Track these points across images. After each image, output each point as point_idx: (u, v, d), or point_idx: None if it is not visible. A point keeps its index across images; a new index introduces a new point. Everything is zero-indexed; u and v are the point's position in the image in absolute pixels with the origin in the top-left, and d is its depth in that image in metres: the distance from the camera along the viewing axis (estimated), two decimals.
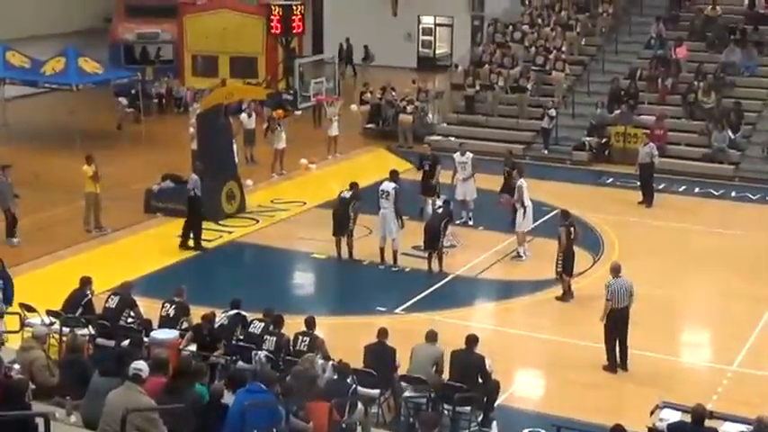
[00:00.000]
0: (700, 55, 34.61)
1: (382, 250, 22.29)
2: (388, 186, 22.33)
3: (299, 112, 35.68)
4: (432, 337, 14.97)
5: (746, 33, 34.72)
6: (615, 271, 17.16)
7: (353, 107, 34.80)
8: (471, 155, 25.19)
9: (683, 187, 29.05)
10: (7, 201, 23.30)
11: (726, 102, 31.87)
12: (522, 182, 22.82)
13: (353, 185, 22.81)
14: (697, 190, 28.93)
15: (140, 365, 11.34)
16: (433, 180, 25.11)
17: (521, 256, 22.72)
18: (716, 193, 28.67)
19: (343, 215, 22.43)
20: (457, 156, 25.26)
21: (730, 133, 30.63)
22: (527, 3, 39.09)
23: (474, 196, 25.03)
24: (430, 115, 35.24)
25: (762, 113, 32.16)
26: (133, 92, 37.47)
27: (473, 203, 25.05)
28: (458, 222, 23.97)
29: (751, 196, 28.36)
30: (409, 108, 34.01)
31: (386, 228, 22.19)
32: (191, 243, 23.32)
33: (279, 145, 29.80)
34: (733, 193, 28.65)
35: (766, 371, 17.29)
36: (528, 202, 22.66)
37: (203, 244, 23.42)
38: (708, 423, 12.40)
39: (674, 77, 33.46)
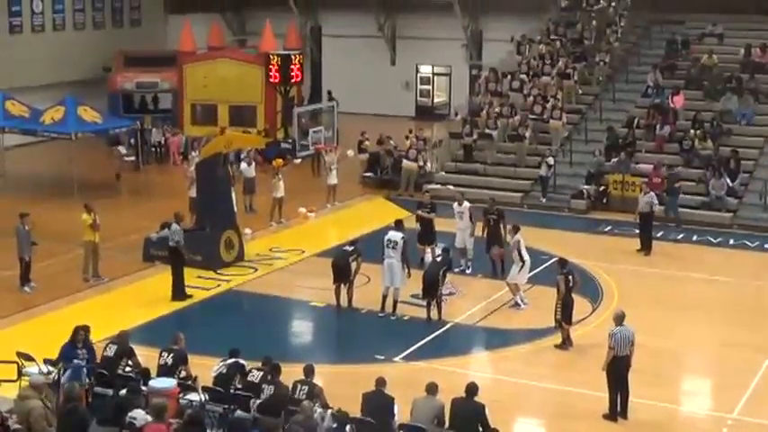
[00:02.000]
0: (696, 103, 34.81)
1: (384, 298, 22.26)
2: (396, 236, 22.40)
3: (298, 161, 35.78)
4: (432, 389, 14.84)
5: (742, 82, 34.94)
6: (619, 319, 17.10)
7: (350, 152, 34.86)
8: (468, 204, 25.25)
9: (681, 235, 29.07)
10: (24, 249, 23.34)
11: (723, 150, 32.00)
12: (518, 237, 22.79)
13: (354, 243, 22.94)
14: (695, 238, 28.96)
15: (136, 414, 11.30)
16: (431, 228, 25.13)
17: (518, 305, 22.68)
18: (714, 241, 28.69)
19: (343, 266, 22.43)
20: (455, 205, 25.34)
21: (728, 181, 30.73)
22: (525, 52, 39.31)
23: (471, 246, 25.02)
24: (428, 164, 35.33)
25: (759, 161, 32.28)
26: (132, 141, 37.64)
27: (472, 252, 25.05)
28: (456, 270, 23.97)
29: (749, 243, 28.38)
30: (411, 154, 34.05)
31: (392, 277, 22.18)
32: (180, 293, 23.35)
33: (277, 193, 29.84)
34: (731, 241, 28.67)
35: (766, 419, 17.22)
36: (526, 257, 22.63)
37: (187, 291, 23.46)
38: None
39: (672, 125, 33.63)
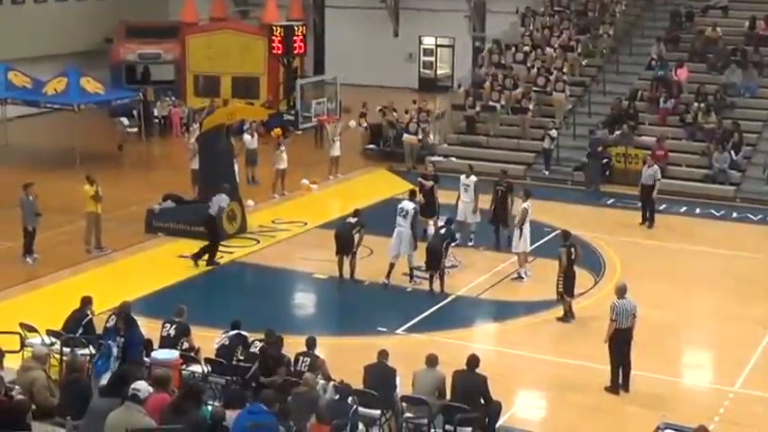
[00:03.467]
0: (700, 76, 34.69)
1: (392, 266, 22.24)
2: (408, 205, 22.58)
3: (299, 132, 35.71)
4: (432, 361, 14.85)
5: (747, 55, 34.80)
6: (621, 291, 17.08)
7: (352, 122, 34.71)
8: (475, 178, 25.10)
9: (684, 208, 29.06)
10: (28, 219, 23.33)
11: (726, 123, 31.92)
12: (527, 204, 22.77)
13: (357, 212, 22.93)
14: (698, 211, 28.94)
15: (139, 386, 11.31)
16: (433, 200, 25.10)
17: (522, 277, 22.71)
18: (717, 214, 28.67)
19: (346, 237, 22.45)
20: (462, 177, 25.22)
21: (732, 154, 30.67)
22: (529, 24, 39.16)
23: (477, 219, 24.96)
24: (431, 136, 35.23)
25: (762, 135, 32.20)
26: (134, 112, 37.59)
27: (475, 225, 25.01)
28: (453, 245, 23.85)
29: (752, 217, 28.37)
30: (412, 128, 33.91)
31: (400, 246, 22.26)
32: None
33: (280, 165, 29.80)
34: (734, 214, 28.65)
35: (767, 392, 17.29)
36: (525, 228, 22.60)
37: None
38: None
39: (675, 98, 33.53)
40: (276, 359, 15.11)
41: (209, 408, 12.26)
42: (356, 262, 22.61)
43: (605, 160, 31.80)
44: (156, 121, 39.51)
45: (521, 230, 22.61)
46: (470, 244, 24.87)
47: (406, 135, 33.94)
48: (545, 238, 24.73)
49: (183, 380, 14.68)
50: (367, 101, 36.72)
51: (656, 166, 27.52)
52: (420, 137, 34.00)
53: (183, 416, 11.35)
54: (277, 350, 15.35)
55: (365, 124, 35.86)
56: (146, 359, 15.22)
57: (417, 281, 22.27)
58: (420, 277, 22.32)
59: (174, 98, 40.22)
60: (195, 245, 24.05)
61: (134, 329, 15.89)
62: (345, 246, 22.45)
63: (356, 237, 22.44)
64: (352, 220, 22.75)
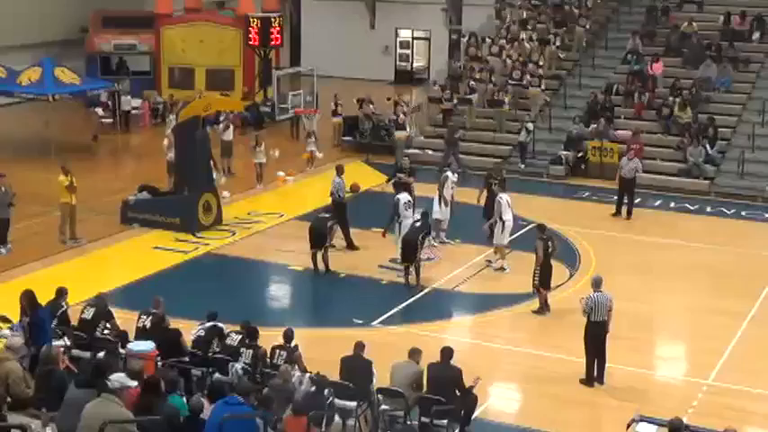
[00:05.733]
0: (676, 71, 34.87)
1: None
2: (406, 197, 23.25)
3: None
4: (414, 354, 14.83)
5: (722, 49, 34.98)
6: (596, 284, 17.16)
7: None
8: (448, 174, 25.07)
9: (659, 202, 29.19)
10: (0, 209, 23.17)
11: (701, 117, 32.08)
12: (501, 196, 22.84)
13: (330, 209, 23.17)
14: (673, 205, 29.08)
15: (116, 377, 11.27)
16: (411, 194, 25.07)
17: (504, 269, 22.73)
18: (691, 208, 28.82)
19: (320, 231, 22.45)
20: (450, 174, 25.19)
21: (707, 148, 30.83)
22: (505, 17, 39.20)
23: (447, 216, 24.83)
24: (408, 129, 35.14)
25: (736, 129, 32.37)
26: (109, 103, 37.39)
27: (446, 223, 24.87)
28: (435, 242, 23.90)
29: (726, 211, 28.51)
30: (401, 122, 33.75)
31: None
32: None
33: (259, 159, 29.73)
34: (708, 208, 28.81)
35: (741, 384, 17.39)
36: (508, 217, 22.67)
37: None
38: None
39: (651, 93, 33.67)
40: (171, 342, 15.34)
41: (183, 398, 12.22)
42: (329, 255, 22.62)
43: (581, 154, 31.92)
44: (127, 111, 39.05)
45: (502, 223, 22.63)
46: (446, 240, 24.79)
47: (397, 132, 33.68)
48: (521, 231, 24.77)
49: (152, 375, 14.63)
50: (340, 94, 36.54)
51: (636, 160, 27.64)
52: (410, 132, 33.89)
53: (147, 412, 11.31)
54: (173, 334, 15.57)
55: (340, 118, 35.59)
56: (121, 350, 15.16)
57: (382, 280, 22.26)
58: (395, 269, 22.36)
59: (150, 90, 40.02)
60: (171, 236, 23.96)
61: (38, 309, 15.75)
62: (319, 239, 22.46)
63: (330, 230, 22.50)
64: (326, 214, 22.81)
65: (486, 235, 23.59)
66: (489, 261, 23.14)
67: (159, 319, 16.17)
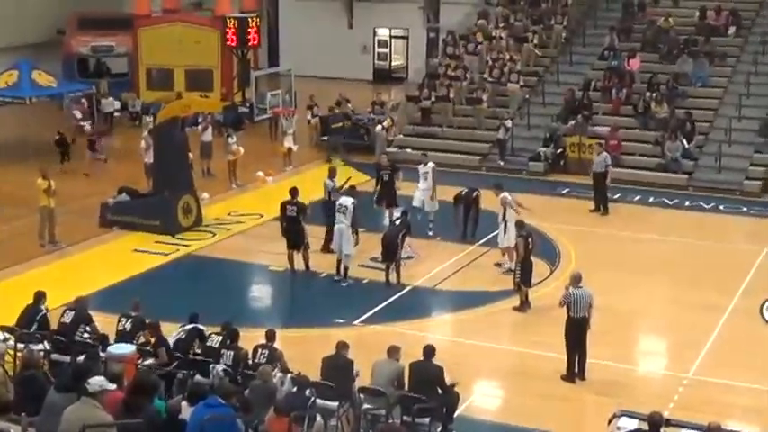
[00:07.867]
0: (652, 66, 34.95)
1: (339, 263, 22.25)
2: (347, 201, 22.26)
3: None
4: (393, 352, 14.85)
5: (698, 44, 35.12)
6: (576, 280, 17.19)
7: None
8: (432, 164, 25.20)
9: (638, 197, 29.30)
10: None
11: (678, 112, 32.21)
12: (504, 195, 22.76)
13: (294, 193, 22.73)
14: (651, 199, 29.19)
15: (95, 380, 11.21)
16: (391, 191, 25.09)
17: (512, 270, 21.80)
18: (669, 203, 28.93)
19: (295, 230, 22.36)
20: (420, 167, 25.28)
21: (684, 143, 30.96)
22: (483, 15, 39.19)
23: (435, 207, 24.98)
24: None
25: (714, 123, 32.51)
26: (87, 106, 37.21)
27: (433, 214, 25.01)
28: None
29: (704, 205, 28.63)
30: (384, 122, 33.80)
31: (341, 243, 22.12)
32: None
33: (230, 156, 29.73)
34: (686, 203, 28.91)
35: (721, 378, 17.47)
36: (509, 218, 22.48)
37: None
38: (664, 430, 12.50)
39: (628, 88, 33.77)
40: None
41: (163, 401, 12.19)
42: (309, 254, 22.60)
43: (560, 150, 32.01)
44: (110, 113, 38.93)
45: (504, 223, 22.52)
46: (430, 234, 24.86)
47: (378, 129, 33.65)
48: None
49: (139, 375, 14.58)
50: (316, 94, 36.42)
51: (605, 153, 27.75)
52: (386, 124, 33.92)
53: (136, 412, 11.27)
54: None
55: (317, 118, 35.48)
56: (102, 354, 15.11)
57: (351, 280, 22.14)
58: (376, 268, 22.35)
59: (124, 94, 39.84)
60: (151, 238, 23.89)
61: None
62: (295, 237, 22.38)
63: (304, 225, 22.34)
64: (293, 209, 22.43)
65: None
66: (499, 264, 22.97)
67: (139, 321, 16.14)
